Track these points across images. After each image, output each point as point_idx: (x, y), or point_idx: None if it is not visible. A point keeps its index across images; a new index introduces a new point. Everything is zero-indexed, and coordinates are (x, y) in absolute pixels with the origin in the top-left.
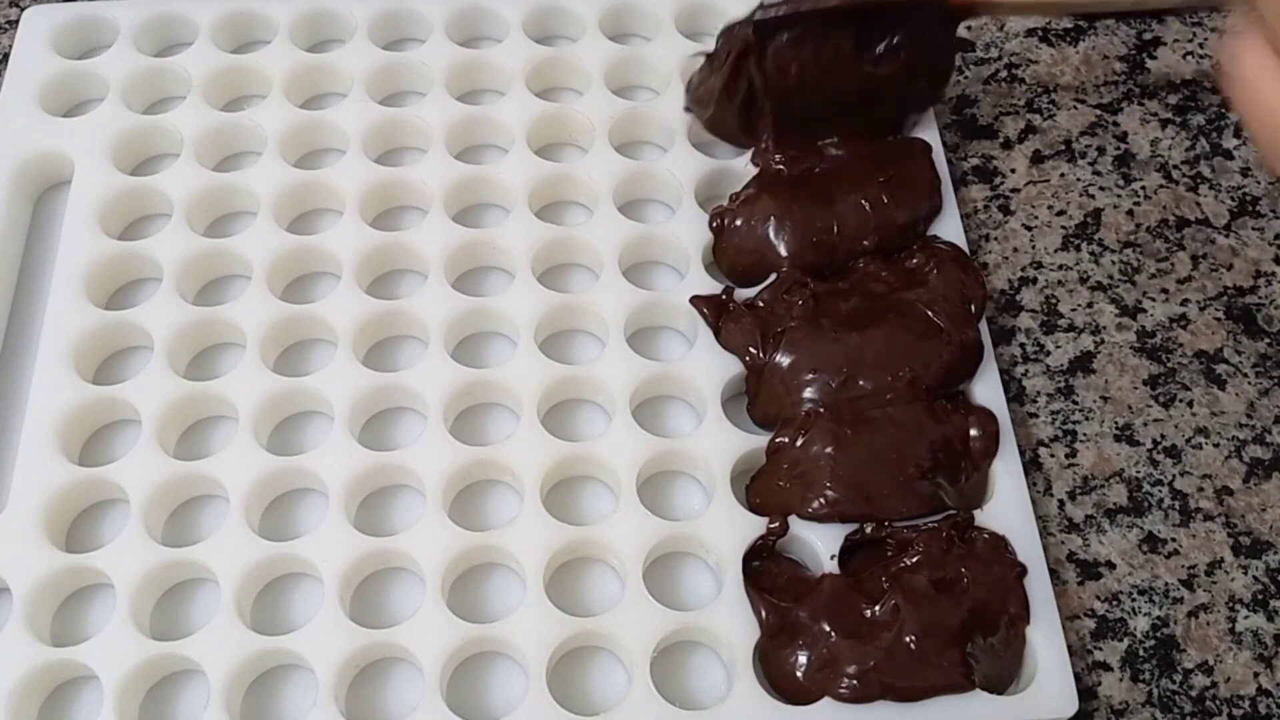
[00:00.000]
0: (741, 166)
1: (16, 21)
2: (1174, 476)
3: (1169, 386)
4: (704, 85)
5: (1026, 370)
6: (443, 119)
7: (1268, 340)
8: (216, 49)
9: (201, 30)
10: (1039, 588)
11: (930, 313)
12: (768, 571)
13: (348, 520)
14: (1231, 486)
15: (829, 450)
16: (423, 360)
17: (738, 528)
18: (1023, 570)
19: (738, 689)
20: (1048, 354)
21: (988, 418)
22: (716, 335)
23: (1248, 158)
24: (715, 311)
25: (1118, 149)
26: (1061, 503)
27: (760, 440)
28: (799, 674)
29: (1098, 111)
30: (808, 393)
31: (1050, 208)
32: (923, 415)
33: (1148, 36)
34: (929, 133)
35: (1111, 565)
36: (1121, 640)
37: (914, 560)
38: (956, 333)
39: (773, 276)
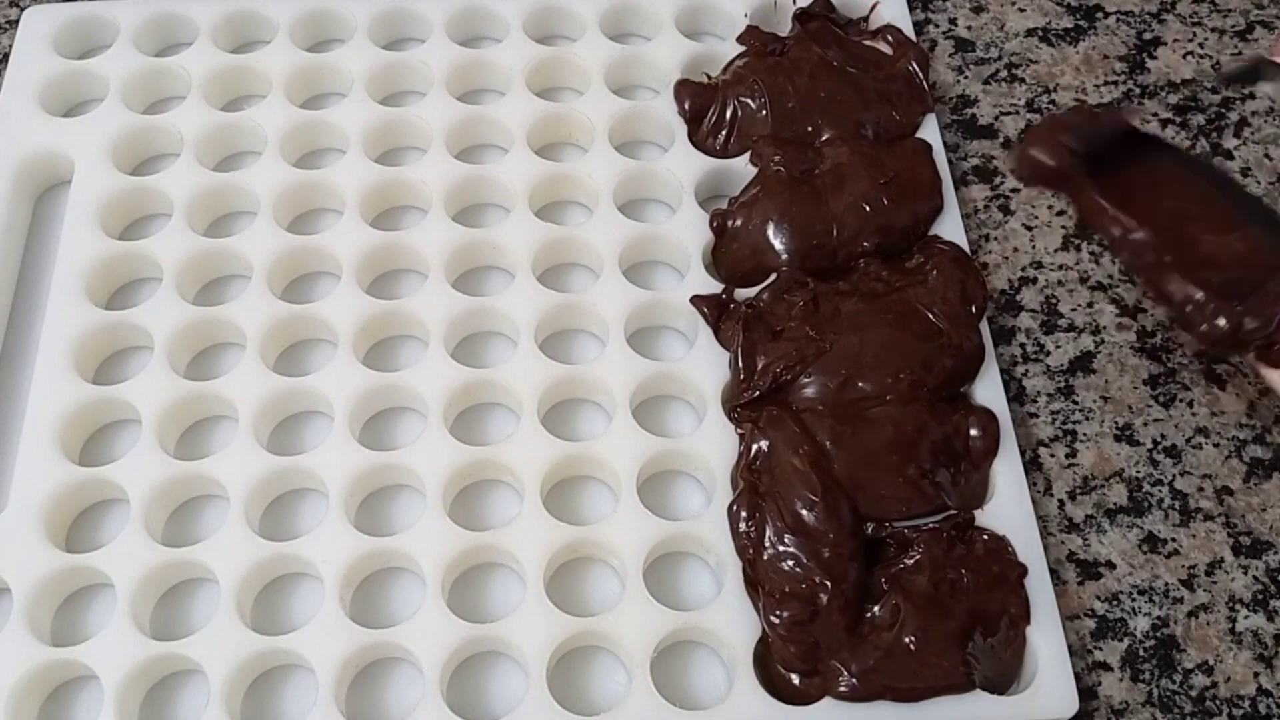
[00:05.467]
0: (742, 166)
1: (16, 21)
2: (1174, 476)
3: (1169, 386)
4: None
5: (1026, 370)
6: (443, 119)
7: None
8: (216, 49)
9: (201, 30)
10: (1039, 588)
11: (930, 314)
12: None
13: (348, 520)
14: (1231, 486)
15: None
16: (423, 360)
17: None
18: (1023, 570)
19: (738, 689)
20: (1048, 354)
21: (988, 418)
22: (716, 335)
23: (1247, 158)
24: (715, 311)
25: None
26: (1061, 503)
27: None
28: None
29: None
30: (808, 391)
31: (1050, 207)
32: (923, 415)
33: (1148, 36)
34: (929, 133)
35: (1111, 565)
36: (1121, 640)
37: (914, 560)
38: (957, 335)
39: (773, 277)
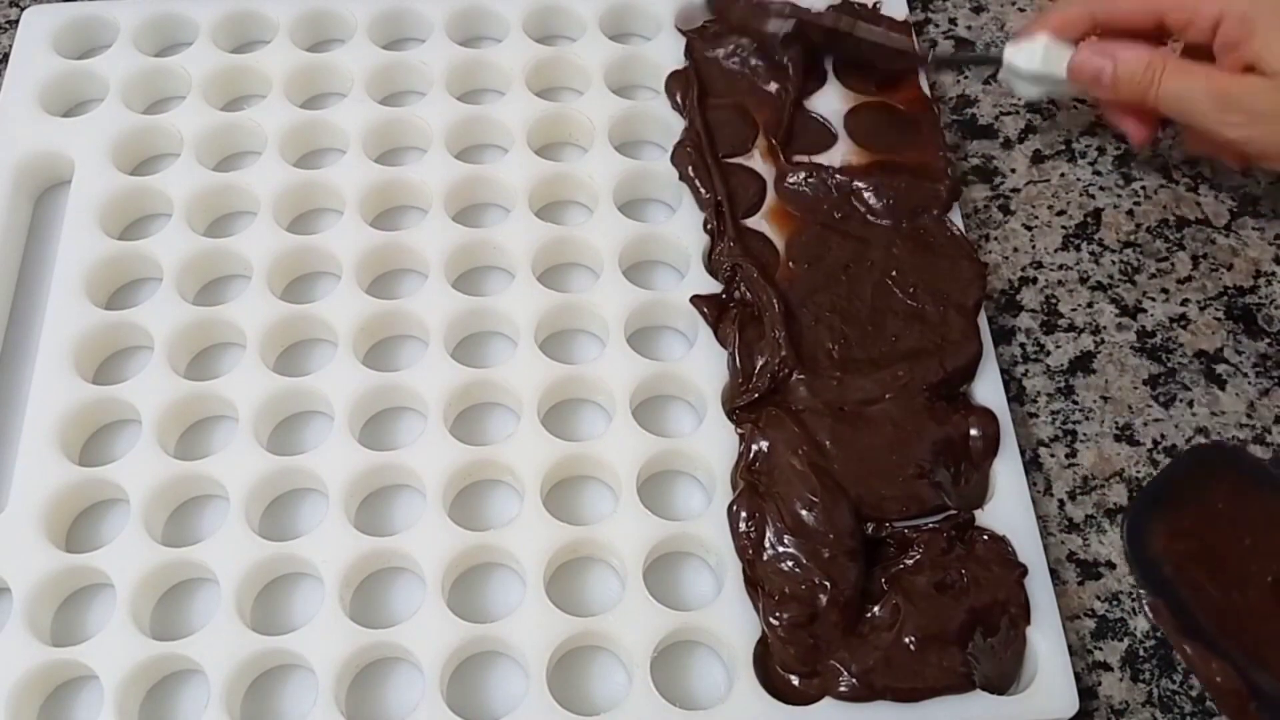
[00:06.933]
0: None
1: (16, 21)
2: None
3: (1169, 386)
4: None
5: (1026, 370)
6: (443, 119)
7: (1268, 340)
8: (216, 49)
9: (201, 30)
10: (1039, 588)
11: (928, 311)
12: None
13: (348, 520)
14: None
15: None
16: (423, 360)
17: None
18: (1023, 570)
19: (738, 689)
20: (1048, 354)
21: (988, 418)
22: (716, 335)
23: None
24: (715, 311)
25: (1118, 149)
26: (1061, 503)
27: None
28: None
29: (1098, 111)
30: (806, 390)
31: (1050, 208)
32: (923, 416)
33: None
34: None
35: (1111, 565)
36: (1122, 640)
37: (914, 560)
38: (956, 334)
39: None
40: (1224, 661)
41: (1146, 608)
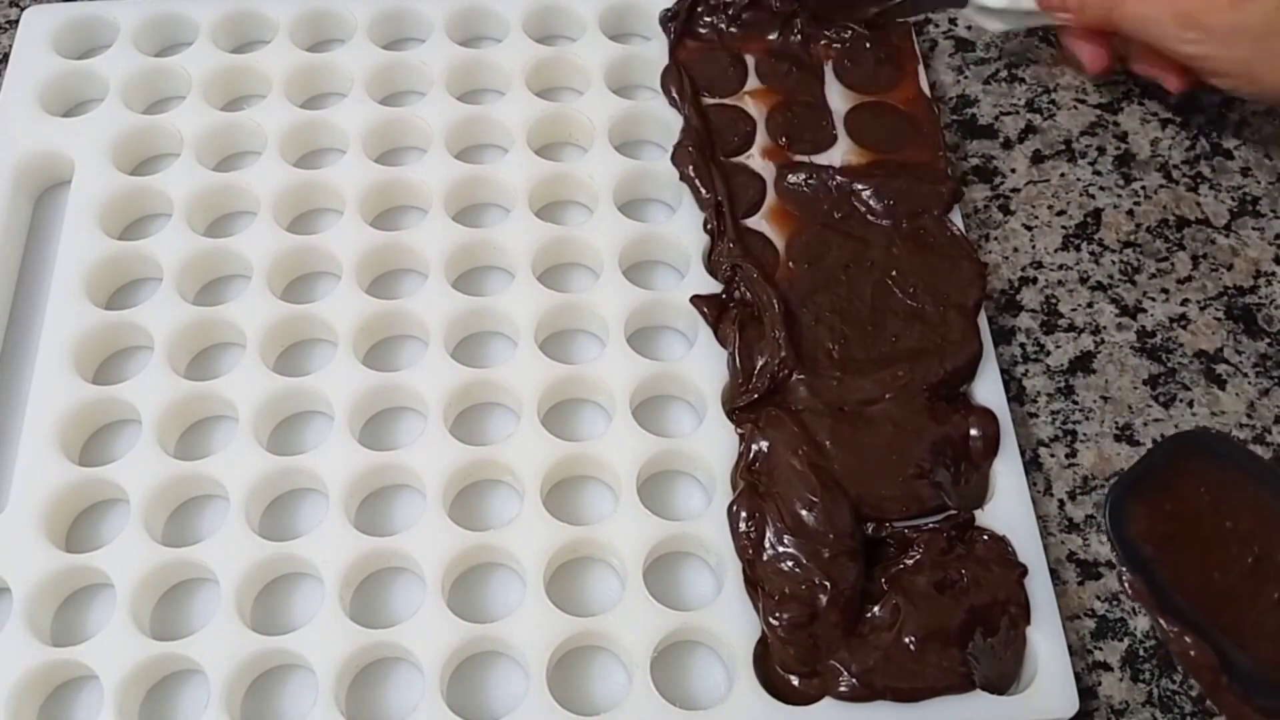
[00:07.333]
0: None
1: (16, 21)
2: None
3: (1169, 386)
4: None
5: (1026, 370)
6: (443, 119)
7: (1268, 340)
8: (216, 49)
9: (201, 30)
10: (1039, 588)
11: (928, 311)
12: None
13: (348, 520)
14: None
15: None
16: (423, 360)
17: None
18: (1023, 570)
19: (738, 689)
20: (1048, 354)
21: (988, 418)
22: (716, 334)
23: (1248, 158)
24: (715, 311)
25: (1118, 149)
26: (1062, 503)
27: None
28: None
29: (1098, 111)
30: (806, 390)
31: (1050, 208)
32: (923, 416)
33: None
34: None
35: (1112, 565)
36: (1122, 640)
37: (914, 560)
38: (955, 334)
39: None
40: (1198, 637)
41: (1126, 585)
